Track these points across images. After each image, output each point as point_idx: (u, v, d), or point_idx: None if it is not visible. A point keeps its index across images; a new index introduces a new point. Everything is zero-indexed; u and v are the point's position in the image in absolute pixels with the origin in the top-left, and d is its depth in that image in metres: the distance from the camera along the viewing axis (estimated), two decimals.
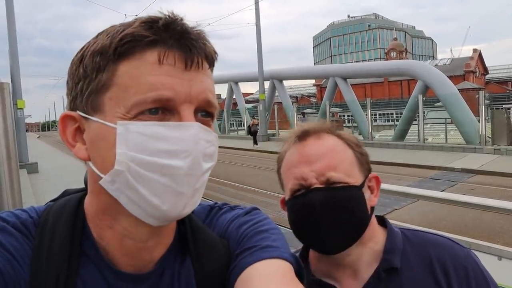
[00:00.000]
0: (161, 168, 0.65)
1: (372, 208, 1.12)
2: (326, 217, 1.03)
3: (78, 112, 0.71)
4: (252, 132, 26.15)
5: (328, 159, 1.05)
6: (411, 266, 1.06)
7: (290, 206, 1.10)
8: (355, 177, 1.07)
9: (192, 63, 0.68)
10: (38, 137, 57.75)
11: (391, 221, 1.19)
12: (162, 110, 0.67)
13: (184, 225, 0.82)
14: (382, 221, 1.18)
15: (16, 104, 14.98)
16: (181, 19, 0.69)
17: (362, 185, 1.08)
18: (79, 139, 0.72)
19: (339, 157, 1.07)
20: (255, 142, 25.16)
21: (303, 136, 1.10)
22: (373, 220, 1.14)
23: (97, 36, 0.71)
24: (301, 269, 0.79)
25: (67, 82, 0.73)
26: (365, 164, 1.12)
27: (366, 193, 1.10)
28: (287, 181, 1.10)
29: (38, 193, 10.48)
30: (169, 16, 0.68)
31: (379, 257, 1.09)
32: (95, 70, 0.68)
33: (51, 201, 0.82)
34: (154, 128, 0.66)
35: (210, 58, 0.72)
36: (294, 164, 1.08)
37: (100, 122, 0.68)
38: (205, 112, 0.72)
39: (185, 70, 0.68)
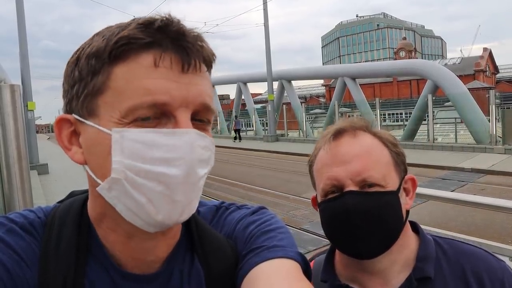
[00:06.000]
0: (157, 176, 0.64)
1: (407, 212, 1.07)
2: (360, 222, 0.99)
3: (73, 115, 0.69)
4: None
5: (364, 159, 1.01)
6: (444, 276, 1.02)
7: (323, 208, 1.07)
8: (391, 179, 1.03)
9: (189, 66, 0.66)
10: (48, 138, 58.13)
11: None
12: (159, 115, 0.65)
13: (190, 225, 0.82)
14: (414, 227, 1.13)
15: (27, 105, 15.11)
16: (178, 21, 0.67)
17: (398, 189, 1.04)
18: (75, 142, 0.71)
19: (375, 157, 1.02)
20: None
21: (337, 134, 1.06)
22: (407, 225, 1.09)
23: (92, 38, 0.69)
24: (308, 268, 0.79)
25: (63, 84, 0.72)
26: (401, 165, 1.07)
27: (402, 197, 1.05)
28: (320, 180, 1.06)
29: (48, 193, 10.56)
30: (165, 17, 0.66)
31: (410, 265, 1.05)
32: (90, 73, 0.66)
33: (58, 202, 0.83)
34: (149, 135, 0.64)
35: (208, 61, 0.70)
36: (328, 164, 1.04)
37: (95, 127, 0.66)
38: (202, 116, 0.70)
39: (182, 73, 0.66)
